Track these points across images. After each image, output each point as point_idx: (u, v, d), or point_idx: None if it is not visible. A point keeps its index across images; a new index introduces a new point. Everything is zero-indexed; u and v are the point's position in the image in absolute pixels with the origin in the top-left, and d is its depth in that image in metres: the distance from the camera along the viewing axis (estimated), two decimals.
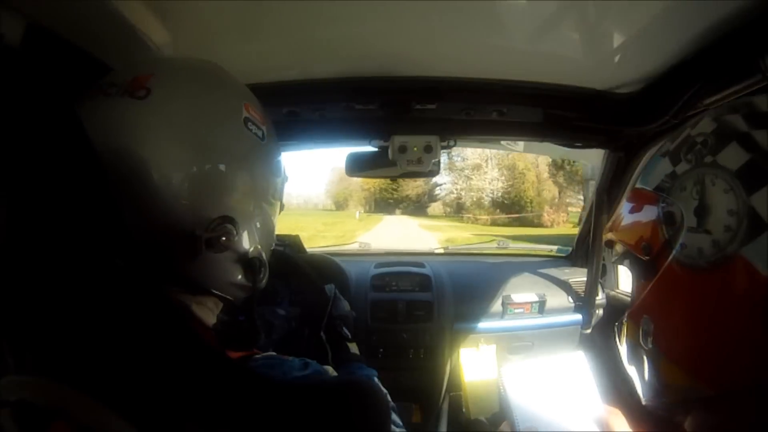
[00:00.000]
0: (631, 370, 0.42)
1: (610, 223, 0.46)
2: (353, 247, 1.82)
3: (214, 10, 0.65)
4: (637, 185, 0.43)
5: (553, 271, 1.40)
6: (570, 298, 1.32)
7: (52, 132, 0.39)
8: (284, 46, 0.77)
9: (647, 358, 0.38)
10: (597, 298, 1.26)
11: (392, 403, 0.61)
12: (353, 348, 0.78)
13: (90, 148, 0.39)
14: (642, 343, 0.39)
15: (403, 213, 32.16)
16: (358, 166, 1.12)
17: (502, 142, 1.45)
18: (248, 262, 0.49)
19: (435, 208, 33.98)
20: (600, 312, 1.28)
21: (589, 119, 0.99)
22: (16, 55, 0.50)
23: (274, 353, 0.52)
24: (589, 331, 1.29)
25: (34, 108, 0.40)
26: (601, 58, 0.81)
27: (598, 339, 1.29)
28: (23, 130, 0.39)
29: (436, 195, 33.78)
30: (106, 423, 0.35)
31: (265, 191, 0.51)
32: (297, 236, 1.00)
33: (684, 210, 0.35)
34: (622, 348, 0.43)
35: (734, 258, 0.31)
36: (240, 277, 0.49)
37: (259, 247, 0.50)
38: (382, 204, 34.05)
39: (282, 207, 0.58)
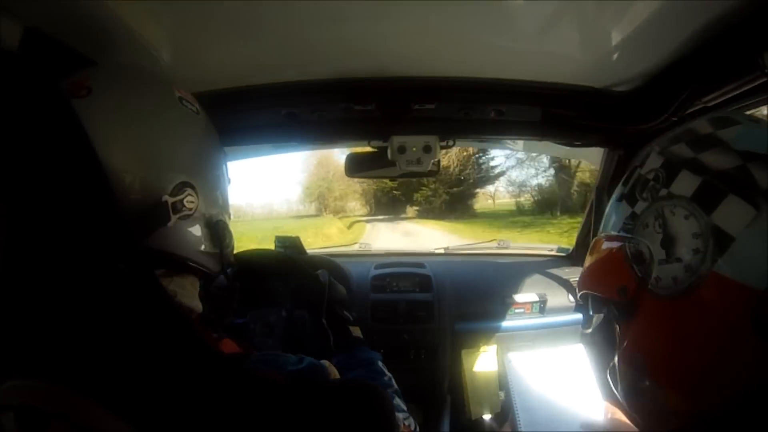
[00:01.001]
0: (635, 408, 0.42)
1: (581, 277, 0.46)
2: (353, 248, 1.82)
3: (212, 13, 0.65)
4: (601, 233, 0.43)
5: (554, 271, 1.39)
6: (571, 298, 1.31)
7: (51, 134, 0.39)
8: (282, 47, 0.77)
9: (647, 394, 0.38)
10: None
11: (402, 406, 0.61)
12: (356, 332, 0.79)
13: (89, 148, 0.40)
14: (637, 383, 0.39)
15: (418, 216, 21.23)
16: (357, 166, 1.12)
17: (502, 142, 1.45)
18: (213, 228, 0.53)
19: (482, 200, 21.16)
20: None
21: (588, 118, 0.99)
22: (14, 59, 0.50)
23: (269, 352, 0.52)
24: (589, 330, 1.29)
25: (32, 111, 0.40)
26: (600, 57, 0.81)
27: (599, 339, 1.29)
28: (22, 134, 0.39)
29: (489, 175, 20.15)
30: (107, 426, 0.35)
31: (212, 159, 0.56)
32: (297, 237, 1.00)
33: (651, 245, 0.36)
34: (621, 393, 0.42)
35: (709, 276, 0.32)
36: (209, 244, 0.53)
37: (221, 212, 0.55)
38: (388, 203, 25.06)
39: (229, 180, 0.62)
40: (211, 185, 0.54)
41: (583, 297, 0.46)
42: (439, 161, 1.04)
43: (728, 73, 0.70)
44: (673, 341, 0.35)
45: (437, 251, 1.75)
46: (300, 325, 0.81)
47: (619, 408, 0.60)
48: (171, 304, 0.46)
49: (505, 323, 1.28)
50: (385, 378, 0.70)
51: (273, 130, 1.05)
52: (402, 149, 1.00)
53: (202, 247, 0.52)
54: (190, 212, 0.50)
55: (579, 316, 1.29)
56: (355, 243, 1.77)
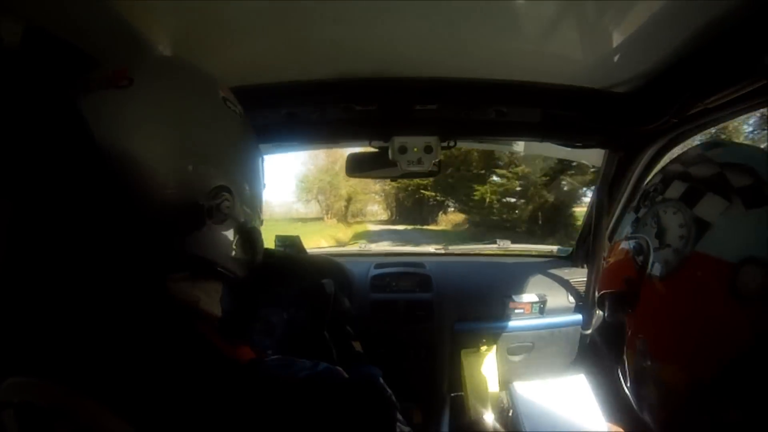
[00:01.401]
0: (641, 398, 0.46)
1: (599, 286, 0.53)
2: (353, 248, 1.82)
3: (214, 12, 0.65)
4: (614, 241, 0.51)
5: (554, 272, 1.40)
6: (570, 299, 1.32)
7: (55, 132, 0.39)
8: (283, 46, 0.77)
9: (650, 376, 0.43)
10: (595, 298, 1.26)
11: (396, 404, 0.61)
12: (357, 347, 0.78)
13: (93, 145, 0.40)
14: (642, 365, 0.44)
15: (469, 234, 13.99)
16: (358, 166, 1.12)
17: (503, 143, 1.45)
18: (246, 233, 0.51)
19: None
20: (600, 312, 1.28)
21: (589, 119, 0.99)
22: (16, 58, 0.50)
23: (283, 357, 0.52)
24: (589, 331, 1.29)
25: (34, 109, 0.40)
26: (601, 58, 0.81)
27: (599, 339, 1.29)
28: (26, 132, 0.39)
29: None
30: (108, 425, 0.35)
31: (250, 163, 0.54)
32: (297, 237, 1.00)
33: (648, 238, 0.44)
34: (628, 384, 0.47)
35: (692, 255, 0.39)
36: (238, 251, 0.51)
37: (253, 219, 0.53)
38: (414, 207, 20.51)
39: (265, 185, 0.60)
40: (248, 190, 0.52)
41: (601, 300, 0.52)
42: (439, 162, 1.04)
43: (729, 74, 0.70)
44: (668, 317, 0.42)
45: (437, 251, 1.75)
46: (300, 332, 0.81)
47: (622, 428, 0.62)
48: (179, 308, 0.45)
49: (505, 323, 1.28)
50: (386, 394, 0.70)
51: (274, 129, 1.05)
52: (403, 149, 1.00)
53: (233, 252, 0.50)
54: (225, 217, 0.48)
55: (579, 316, 1.29)
56: (355, 242, 1.76)
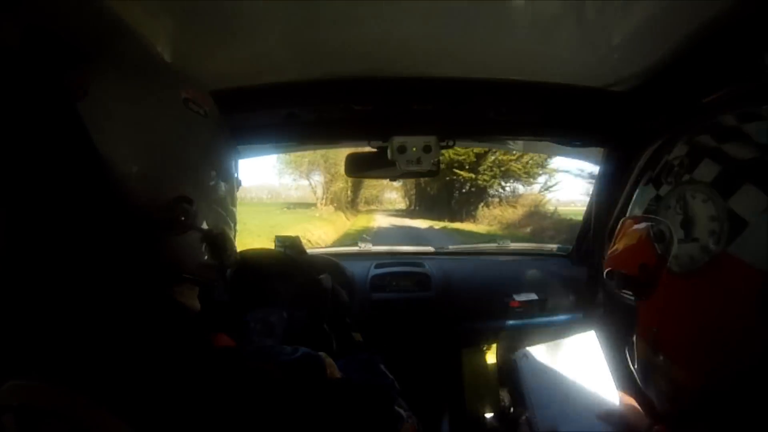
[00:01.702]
0: (647, 386, 0.44)
1: (608, 256, 0.49)
2: (353, 247, 1.82)
3: (213, 13, 0.65)
4: (627, 216, 0.46)
5: (554, 270, 1.40)
6: (570, 297, 1.32)
7: (52, 133, 0.39)
8: (282, 47, 0.77)
9: (659, 370, 0.41)
10: (598, 296, 1.26)
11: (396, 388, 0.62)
12: (357, 337, 0.79)
13: (91, 147, 0.40)
14: (651, 357, 0.41)
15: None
16: (357, 166, 1.12)
17: (502, 142, 1.45)
18: (213, 240, 0.50)
19: None
20: (601, 310, 1.28)
21: (588, 117, 0.99)
22: (16, 57, 0.50)
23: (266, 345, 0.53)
24: (590, 330, 1.29)
25: (33, 109, 0.40)
26: (600, 56, 0.81)
27: (599, 338, 1.29)
28: (24, 132, 0.39)
29: None
30: (108, 427, 0.35)
31: (218, 168, 0.52)
32: (297, 237, 1.00)
33: (672, 225, 0.39)
34: (635, 367, 0.45)
35: (722, 256, 0.35)
36: (206, 256, 0.50)
37: (221, 224, 0.52)
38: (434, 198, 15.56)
39: (239, 183, 0.59)
40: (213, 196, 0.51)
41: (609, 274, 0.48)
42: (438, 161, 1.04)
43: (728, 72, 0.70)
44: (685, 317, 0.37)
45: (437, 251, 1.75)
46: (299, 328, 0.82)
47: (633, 396, 0.61)
48: (167, 301, 0.46)
49: (505, 322, 1.28)
50: (388, 380, 0.70)
51: (273, 130, 1.05)
52: (402, 149, 1.00)
53: (201, 259, 0.50)
54: (186, 226, 0.46)
55: (579, 315, 1.29)
56: (355, 242, 1.77)
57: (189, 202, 0.46)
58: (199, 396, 0.37)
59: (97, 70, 0.49)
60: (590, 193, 1.35)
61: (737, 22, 0.63)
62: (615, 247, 0.47)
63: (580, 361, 0.70)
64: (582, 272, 1.33)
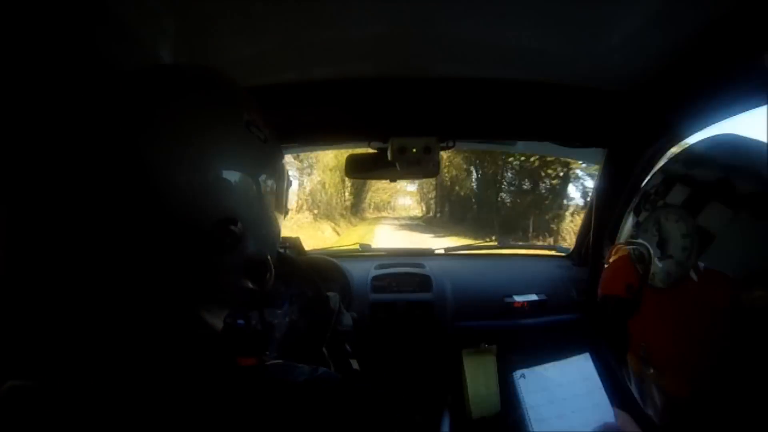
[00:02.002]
0: (645, 402, 0.46)
1: (600, 288, 0.53)
2: (353, 247, 1.82)
3: (213, 12, 0.65)
4: (615, 244, 0.50)
5: (554, 271, 1.39)
6: (570, 297, 1.31)
7: (53, 135, 0.39)
8: (283, 48, 0.77)
9: (652, 383, 0.43)
10: (597, 297, 1.26)
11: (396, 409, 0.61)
12: (354, 364, 0.78)
13: (95, 151, 0.40)
14: (644, 371, 0.43)
15: None
16: (357, 167, 1.12)
17: (502, 143, 1.45)
18: (254, 266, 0.49)
19: None
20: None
21: (589, 117, 0.99)
22: (16, 59, 0.50)
23: (283, 361, 0.52)
24: (589, 330, 1.29)
25: (34, 111, 0.40)
26: (600, 57, 0.81)
27: (599, 339, 1.29)
28: (26, 133, 0.39)
29: None
30: (109, 428, 0.35)
31: (269, 194, 0.51)
32: (297, 238, 1.00)
33: (650, 246, 0.42)
34: (632, 385, 0.47)
35: (694, 269, 0.38)
36: (245, 280, 0.49)
37: (264, 250, 0.50)
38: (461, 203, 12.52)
39: (287, 211, 0.58)
40: (261, 222, 0.49)
41: (603, 302, 0.52)
42: (438, 162, 1.04)
43: (729, 73, 0.70)
44: (669, 328, 0.41)
45: (437, 251, 1.75)
46: (300, 335, 0.81)
47: (629, 413, 0.62)
48: (192, 318, 0.45)
49: (505, 323, 1.28)
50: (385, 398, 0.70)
51: (275, 131, 1.05)
52: (402, 150, 1.00)
53: (238, 281, 0.48)
54: (230, 249, 0.45)
55: (579, 315, 1.29)
56: (356, 243, 1.77)
57: (235, 224, 0.44)
58: (211, 410, 0.37)
59: (163, 78, 0.47)
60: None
61: (738, 22, 0.63)
62: (604, 273, 0.52)
63: (575, 382, 0.73)
64: (582, 273, 1.33)
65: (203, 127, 0.44)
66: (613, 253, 0.50)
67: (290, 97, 0.93)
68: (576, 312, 1.30)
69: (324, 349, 0.73)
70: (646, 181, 0.47)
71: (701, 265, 0.37)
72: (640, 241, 0.44)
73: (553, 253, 1.62)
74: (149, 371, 0.37)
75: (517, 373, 0.75)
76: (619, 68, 0.85)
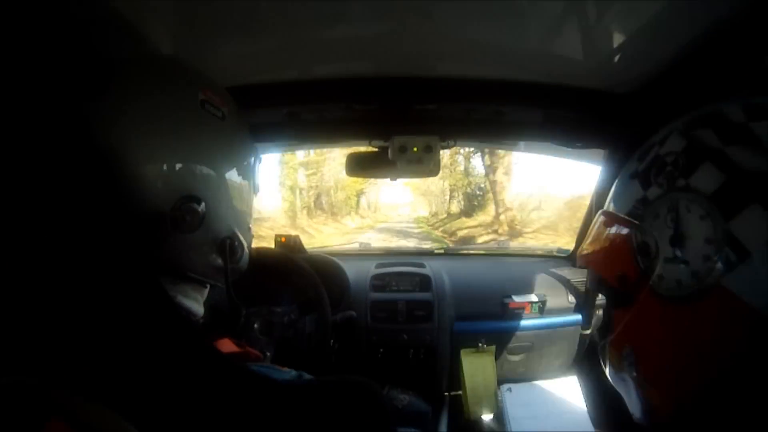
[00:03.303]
0: (619, 389, 0.41)
1: (582, 247, 0.44)
2: (353, 246, 1.82)
3: (213, 11, 0.65)
4: (609, 209, 0.41)
5: (553, 271, 1.39)
6: (570, 299, 1.31)
7: (51, 131, 0.39)
8: (284, 46, 0.77)
9: (632, 383, 0.37)
10: (597, 298, 1.26)
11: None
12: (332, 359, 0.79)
13: (89, 144, 0.40)
14: (626, 370, 0.37)
15: None
16: (358, 166, 1.12)
17: (503, 143, 1.45)
18: (221, 242, 0.50)
19: None
20: (600, 313, 1.28)
21: (589, 119, 0.99)
22: (15, 55, 0.50)
23: (268, 363, 0.52)
24: (588, 331, 1.29)
25: (33, 108, 0.40)
26: (602, 58, 0.81)
27: (599, 340, 1.29)
28: (23, 130, 0.39)
29: None
30: (106, 422, 0.35)
31: (232, 171, 0.52)
32: (297, 236, 1.00)
33: (659, 239, 0.33)
34: (607, 371, 0.42)
35: (715, 289, 0.29)
36: (215, 258, 0.50)
37: (233, 227, 0.51)
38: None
39: (257, 188, 0.58)
40: (225, 200, 0.51)
41: (581, 266, 0.44)
42: (439, 161, 1.04)
43: (732, 75, 0.70)
44: (666, 345, 0.34)
45: (437, 251, 1.75)
46: (299, 333, 0.81)
47: (613, 430, 0.61)
48: (170, 303, 0.46)
49: (505, 323, 1.28)
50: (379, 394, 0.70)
51: (274, 128, 1.05)
52: (403, 149, 1.00)
53: (208, 260, 0.50)
54: (193, 227, 0.46)
55: (578, 316, 1.29)
56: (356, 241, 1.77)
57: (197, 202, 0.46)
58: (198, 397, 0.37)
59: (121, 65, 0.49)
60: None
61: (741, 24, 0.63)
62: (591, 245, 0.42)
63: (560, 401, 0.72)
64: (582, 274, 1.33)
65: (156, 110, 0.46)
66: (606, 221, 0.40)
67: (291, 95, 0.93)
68: (575, 313, 1.30)
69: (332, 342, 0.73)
70: (659, 140, 0.36)
71: (725, 287, 0.28)
72: (646, 226, 0.35)
73: (553, 254, 1.62)
74: (125, 359, 0.37)
75: (504, 386, 0.75)
76: (620, 70, 0.85)
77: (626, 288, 0.36)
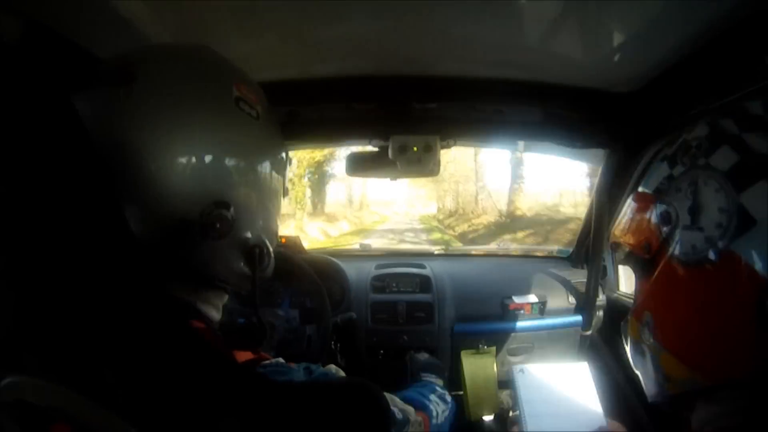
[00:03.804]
0: (636, 366, 0.43)
1: (614, 227, 0.48)
2: (353, 247, 1.81)
3: (214, 9, 0.65)
4: (639, 189, 0.45)
5: (554, 272, 1.39)
6: (570, 299, 1.31)
7: (50, 129, 0.39)
8: (284, 44, 0.77)
9: (649, 352, 0.40)
10: (597, 299, 1.26)
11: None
12: (341, 361, 0.79)
13: (88, 144, 0.39)
14: (644, 338, 0.41)
15: None
16: (358, 166, 1.12)
17: (503, 142, 1.45)
18: (249, 250, 0.47)
19: None
20: (600, 314, 1.28)
21: (590, 119, 0.99)
22: (15, 53, 0.50)
23: (281, 360, 0.52)
24: (589, 332, 1.28)
25: (32, 105, 0.40)
26: (602, 57, 0.81)
27: (599, 341, 1.29)
28: (22, 128, 0.38)
29: None
30: (108, 425, 0.34)
31: (263, 174, 0.48)
32: (297, 237, 1.00)
33: (679, 209, 0.38)
34: (628, 346, 0.45)
35: (725, 253, 0.33)
36: (242, 265, 0.47)
37: (261, 234, 0.48)
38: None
39: (286, 192, 0.56)
40: (254, 206, 0.47)
41: (613, 246, 0.48)
42: (439, 161, 1.03)
43: (731, 74, 0.70)
44: (680, 307, 0.37)
45: (437, 252, 1.75)
46: (299, 334, 0.81)
47: (619, 422, 0.62)
48: (176, 309, 0.44)
49: (505, 324, 1.27)
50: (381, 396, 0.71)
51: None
52: (403, 149, 1.00)
53: (234, 267, 0.47)
54: (223, 234, 0.43)
55: (579, 318, 1.28)
56: (356, 242, 1.76)
57: (227, 208, 0.43)
58: (203, 401, 0.37)
59: (151, 52, 0.45)
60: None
61: (740, 23, 0.63)
62: (622, 221, 0.46)
63: (572, 386, 0.73)
64: (582, 275, 1.33)
65: (188, 105, 0.42)
66: (636, 199, 0.44)
67: (291, 94, 0.92)
68: (576, 314, 1.30)
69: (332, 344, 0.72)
70: (689, 128, 0.41)
71: (733, 250, 0.32)
72: (669, 198, 0.39)
73: (553, 254, 1.62)
74: (142, 362, 0.36)
75: (517, 367, 0.75)
76: (620, 69, 0.85)
77: (650, 254, 0.40)
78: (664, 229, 0.39)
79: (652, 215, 0.40)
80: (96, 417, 0.34)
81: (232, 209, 0.43)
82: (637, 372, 0.43)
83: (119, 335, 0.37)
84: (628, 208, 0.46)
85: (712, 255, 0.34)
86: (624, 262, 0.46)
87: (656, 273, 0.39)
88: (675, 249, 0.37)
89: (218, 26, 0.70)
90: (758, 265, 0.31)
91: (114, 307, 0.38)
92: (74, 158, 0.40)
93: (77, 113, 0.40)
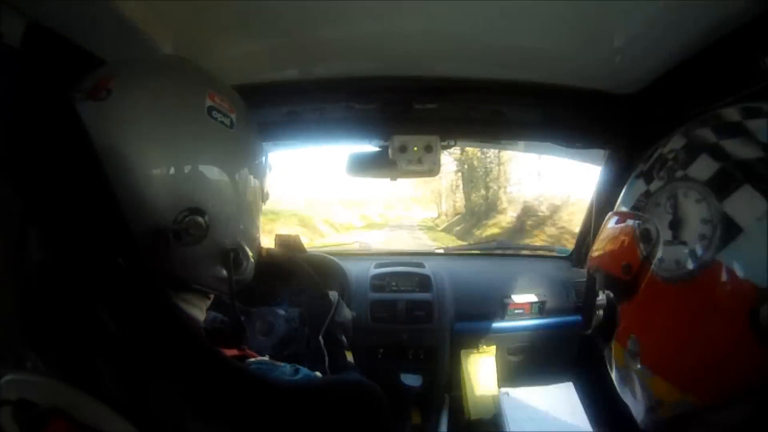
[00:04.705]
0: (624, 394, 0.42)
1: (591, 251, 0.46)
2: (353, 246, 1.82)
3: (215, 9, 0.65)
4: (616, 210, 0.43)
5: (554, 272, 1.39)
6: (570, 299, 1.31)
7: (52, 130, 0.39)
8: (284, 45, 0.77)
9: (637, 378, 0.38)
10: (597, 299, 1.26)
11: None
12: (349, 357, 0.79)
13: (90, 146, 0.39)
14: (629, 364, 0.39)
15: None
16: (358, 166, 1.12)
17: (503, 143, 1.45)
18: (225, 255, 0.48)
19: None
20: (600, 313, 1.28)
21: (590, 119, 0.99)
22: (17, 54, 0.50)
23: (266, 359, 0.52)
24: (589, 332, 1.29)
25: (34, 107, 0.40)
26: (602, 59, 0.81)
27: (599, 341, 1.29)
28: (24, 129, 0.39)
29: None
30: (106, 421, 0.35)
31: (239, 180, 0.49)
32: (297, 236, 1.00)
33: (659, 225, 0.36)
34: (613, 373, 0.43)
35: (711, 264, 0.31)
36: (219, 269, 0.48)
37: (238, 238, 0.50)
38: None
39: (267, 197, 0.57)
40: (231, 212, 0.48)
41: (592, 273, 0.46)
42: (439, 161, 1.04)
43: (732, 76, 0.70)
44: (667, 326, 0.35)
45: (437, 251, 1.75)
46: (299, 335, 0.81)
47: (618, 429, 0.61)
48: (172, 305, 0.45)
49: (504, 324, 1.28)
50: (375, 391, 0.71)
51: (274, 128, 1.05)
52: (403, 149, 1.00)
53: (212, 271, 0.48)
54: (197, 239, 0.45)
55: (578, 317, 1.29)
56: (355, 241, 1.77)
57: (201, 214, 0.44)
58: (200, 399, 0.37)
59: (125, 68, 0.47)
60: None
61: (741, 25, 0.63)
62: (599, 244, 0.45)
63: (558, 404, 0.73)
64: (582, 274, 1.33)
65: (160, 118, 0.44)
66: (612, 220, 0.43)
67: (291, 95, 0.93)
68: (575, 314, 1.30)
69: (321, 338, 0.73)
70: (664, 142, 0.40)
71: (720, 261, 0.31)
72: (648, 214, 0.38)
73: (553, 254, 1.62)
74: (139, 359, 0.37)
75: (502, 390, 0.76)
76: (622, 71, 0.85)
77: (630, 276, 0.38)
78: (644, 247, 0.37)
79: (631, 234, 0.39)
80: (93, 413, 0.35)
81: (206, 216, 0.45)
82: (626, 401, 0.41)
83: (118, 333, 0.38)
84: (603, 229, 0.44)
85: (697, 268, 0.32)
86: (603, 287, 0.45)
87: (639, 294, 0.37)
88: (657, 266, 0.35)
89: (220, 27, 0.70)
90: (748, 273, 0.30)
91: (110, 305, 0.38)
92: (74, 158, 0.40)
93: (78, 114, 0.40)
